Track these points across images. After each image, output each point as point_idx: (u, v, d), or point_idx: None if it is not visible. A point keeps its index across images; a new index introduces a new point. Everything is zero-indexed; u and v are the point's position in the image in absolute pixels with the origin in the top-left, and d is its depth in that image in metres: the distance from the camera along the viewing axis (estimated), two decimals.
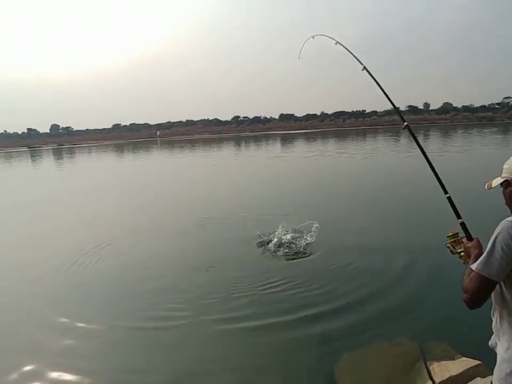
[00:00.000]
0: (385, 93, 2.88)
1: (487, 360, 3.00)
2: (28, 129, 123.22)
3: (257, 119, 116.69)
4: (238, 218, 9.17)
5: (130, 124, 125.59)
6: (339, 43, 3.39)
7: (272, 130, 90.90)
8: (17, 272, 6.57)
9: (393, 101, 2.82)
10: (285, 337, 4.09)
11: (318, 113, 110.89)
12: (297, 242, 6.86)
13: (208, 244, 7.48)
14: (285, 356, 3.81)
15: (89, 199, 14.03)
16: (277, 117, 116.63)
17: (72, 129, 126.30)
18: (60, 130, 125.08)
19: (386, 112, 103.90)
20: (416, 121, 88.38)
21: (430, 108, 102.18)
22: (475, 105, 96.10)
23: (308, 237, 6.99)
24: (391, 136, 46.20)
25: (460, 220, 2.07)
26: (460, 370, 2.99)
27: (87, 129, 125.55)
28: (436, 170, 2.34)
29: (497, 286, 1.56)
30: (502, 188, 1.69)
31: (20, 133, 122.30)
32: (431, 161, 2.42)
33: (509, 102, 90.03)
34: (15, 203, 14.05)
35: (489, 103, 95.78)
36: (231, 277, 5.63)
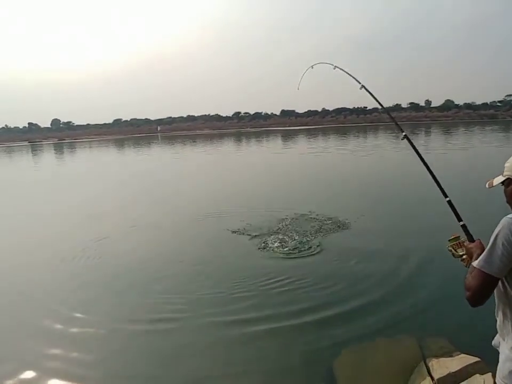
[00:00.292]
0: (383, 107, 3.05)
1: (486, 358, 3.03)
2: (28, 123, 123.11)
3: (258, 115, 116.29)
4: (238, 215, 9.16)
5: (131, 119, 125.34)
6: (337, 67, 3.62)
7: (273, 126, 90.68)
8: (14, 271, 6.49)
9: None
10: (284, 334, 4.11)
11: (319, 110, 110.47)
12: (298, 240, 6.88)
13: (208, 240, 7.45)
14: (285, 352, 3.82)
15: (88, 194, 14.01)
16: (278, 113, 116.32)
17: (73, 124, 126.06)
18: (61, 125, 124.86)
19: (388, 109, 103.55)
20: (417, 118, 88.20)
21: (432, 105, 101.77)
22: (477, 103, 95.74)
23: (309, 235, 7.01)
24: (391, 133, 46.10)
25: (461, 222, 2.07)
26: (459, 367, 3.01)
27: (88, 124, 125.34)
28: (436, 176, 2.36)
29: (500, 284, 1.57)
30: (503, 187, 1.69)
31: (21, 127, 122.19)
32: (431, 167, 2.44)
33: (510, 100, 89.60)
34: (15, 199, 14.07)
35: (491, 100, 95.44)
36: (231, 275, 5.61)
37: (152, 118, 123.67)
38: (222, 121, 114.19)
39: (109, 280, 5.80)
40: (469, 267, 1.72)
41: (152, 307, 4.85)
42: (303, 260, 6.04)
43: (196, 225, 8.59)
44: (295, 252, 6.36)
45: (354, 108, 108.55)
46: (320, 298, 4.78)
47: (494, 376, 2.71)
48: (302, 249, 6.44)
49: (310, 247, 6.49)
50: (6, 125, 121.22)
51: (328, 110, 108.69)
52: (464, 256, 1.89)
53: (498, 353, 1.71)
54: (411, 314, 4.36)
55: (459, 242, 1.94)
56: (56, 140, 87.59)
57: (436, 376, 3.01)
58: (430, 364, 3.22)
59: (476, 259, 1.63)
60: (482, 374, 2.86)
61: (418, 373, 3.21)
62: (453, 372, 2.98)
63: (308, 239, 6.86)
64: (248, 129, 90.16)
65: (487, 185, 1.77)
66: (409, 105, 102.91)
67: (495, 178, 1.71)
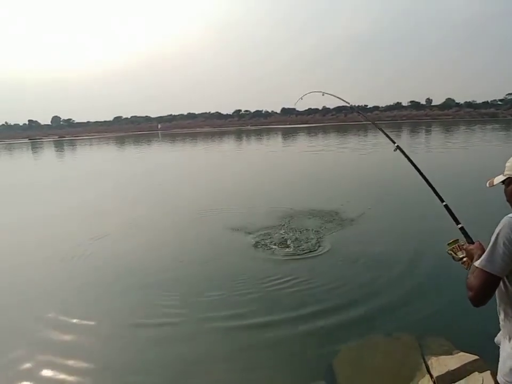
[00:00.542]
0: (377, 126, 3.30)
1: (485, 355, 3.05)
2: (29, 120, 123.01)
3: (258, 113, 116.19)
4: (239, 213, 9.18)
5: (132, 117, 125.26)
6: (326, 93, 4.11)
7: (273, 124, 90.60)
8: (13, 267, 6.49)
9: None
10: (284, 331, 4.11)
11: (320, 108, 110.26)
12: (297, 240, 6.88)
13: (208, 240, 7.44)
14: (284, 350, 3.83)
15: (87, 193, 14.02)
16: (278, 111, 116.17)
17: (73, 121, 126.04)
18: (61, 122, 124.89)
19: (388, 107, 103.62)
20: (418, 116, 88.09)
21: (433, 104, 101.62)
22: (477, 101, 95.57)
23: (309, 235, 7.02)
24: (392, 131, 46.06)
25: (459, 225, 2.08)
26: (458, 365, 3.02)
27: (88, 122, 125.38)
28: (431, 183, 2.37)
29: (502, 283, 1.57)
30: (503, 186, 1.69)
31: (21, 124, 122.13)
32: (429, 170, 2.50)
33: (511, 99, 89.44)
34: (13, 198, 14.08)
35: (492, 99, 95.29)
36: (232, 275, 5.57)
37: (152, 116, 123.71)
38: (222, 119, 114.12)
39: (108, 281, 5.75)
40: (469, 269, 1.72)
41: (152, 308, 4.81)
42: (303, 260, 6.02)
43: (197, 224, 8.58)
44: (293, 251, 6.34)
45: (355, 106, 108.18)
46: (320, 298, 4.79)
47: (493, 374, 2.74)
48: (302, 249, 6.42)
49: (310, 247, 6.49)
50: (6, 122, 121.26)
51: (329, 108, 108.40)
52: (464, 259, 1.89)
53: (498, 351, 1.71)
54: (410, 313, 4.37)
55: (458, 245, 1.95)
56: (57, 137, 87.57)
57: (435, 374, 3.03)
58: (429, 362, 3.24)
59: (477, 260, 1.64)
60: (481, 372, 2.88)
61: (417, 370, 3.23)
62: (452, 370, 3.00)
63: (307, 238, 6.87)
64: (249, 127, 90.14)
65: (487, 184, 1.78)
66: (409, 104, 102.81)
67: (496, 178, 1.71)
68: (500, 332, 1.71)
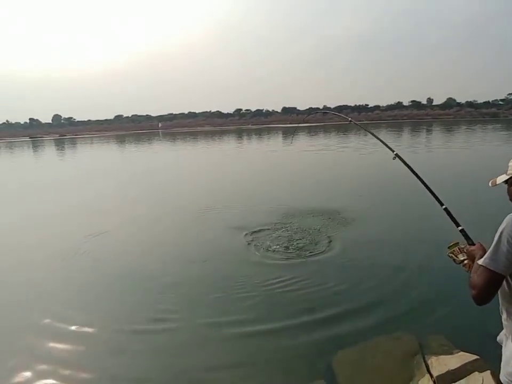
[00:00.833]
0: (375, 136, 3.16)
1: (485, 355, 3.04)
2: (30, 119, 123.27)
3: (259, 112, 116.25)
4: (239, 212, 9.17)
5: (132, 115, 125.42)
6: (326, 111, 4.44)
7: (274, 124, 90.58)
8: (12, 267, 6.44)
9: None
10: (284, 332, 4.10)
11: (320, 107, 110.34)
12: (298, 239, 6.88)
13: (209, 239, 7.41)
14: (284, 350, 3.81)
15: (88, 192, 14.03)
16: (279, 110, 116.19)
17: (74, 119, 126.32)
18: (62, 121, 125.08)
19: (389, 107, 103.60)
20: (419, 116, 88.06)
21: (434, 103, 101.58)
22: (479, 101, 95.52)
23: (309, 235, 7.01)
24: (392, 131, 46.06)
25: (459, 228, 2.07)
26: (458, 365, 3.02)
27: (89, 120, 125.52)
28: (431, 188, 2.37)
29: (504, 283, 1.57)
30: (506, 185, 1.68)
31: (22, 122, 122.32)
32: (426, 179, 2.45)
33: None
34: (13, 197, 14.10)
35: (493, 99, 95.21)
36: (232, 275, 5.52)
37: (153, 115, 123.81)
38: (223, 118, 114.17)
39: (107, 282, 5.68)
40: (470, 272, 1.71)
41: (151, 311, 4.73)
42: (302, 261, 5.98)
43: (197, 223, 8.56)
44: (293, 252, 6.30)
45: (355, 105, 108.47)
46: (319, 297, 4.77)
47: (493, 373, 2.74)
48: (301, 249, 6.38)
49: (309, 248, 6.47)
50: (7, 120, 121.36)
51: (329, 108, 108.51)
52: (465, 261, 1.89)
53: (498, 351, 1.71)
54: (410, 312, 4.36)
55: (459, 248, 1.94)
56: (57, 135, 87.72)
57: (435, 374, 3.02)
58: (429, 362, 3.24)
59: (479, 259, 1.63)
60: (481, 372, 2.88)
61: (417, 370, 3.22)
62: (452, 370, 2.99)
63: (308, 238, 6.85)
64: (249, 126, 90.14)
65: (490, 184, 1.77)
66: (410, 103, 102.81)
67: (499, 177, 1.71)
68: (503, 331, 1.70)
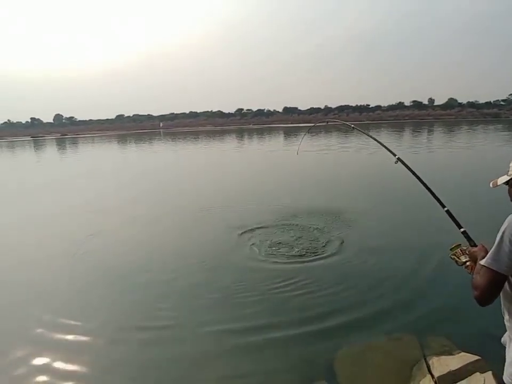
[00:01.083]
0: (377, 141, 3.22)
1: (487, 356, 3.05)
2: (31, 118, 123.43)
3: (260, 112, 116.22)
4: (240, 211, 9.16)
5: (134, 115, 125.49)
6: (330, 120, 4.38)
7: (275, 124, 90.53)
8: (12, 267, 6.44)
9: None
10: (284, 332, 4.09)
11: (322, 107, 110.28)
12: (298, 239, 6.88)
13: (210, 240, 7.39)
14: (285, 351, 3.82)
15: (88, 192, 14.04)
16: (280, 110, 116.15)
17: (76, 119, 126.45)
18: (64, 120, 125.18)
19: (391, 107, 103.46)
20: (420, 116, 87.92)
21: (435, 104, 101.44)
22: (480, 102, 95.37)
23: (311, 235, 7.01)
24: (393, 131, 45.97)
25: (461, 229, 2.07)
26: (459, 365, 3.02)
27: (90, 120, 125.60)
28: (433, 191, 2.38)
29: (507, 283, 1.57)
30: (507, 186, 1.68)
31: (23, 122, 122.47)
32: (428, 180, 2.46)
33: None
34: (16, 192, 14.12)
35: (495, 99, 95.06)
36: (233, 278, 5.48)
37: (154, 114, 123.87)
38: (224, 117, 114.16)
39: (107, 281, 5.66)
40: (473, 274, 1.72)
41: (152, 309, 4.75)
42: (302, 261, 5.98)
43: (199, 223, 8.57)
44: (292, 252, 6.29)
45: (357, 105, 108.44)
46: (321, 299, 4.77)
47: (494, 374, 2.74)
48: (301, 249, 6.37)
49: (310, 248, 6.46)
50: (8, 120, 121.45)
51: (331, 108, 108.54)
52: (467, 263, 1.89)
53: (500, 351, 1.71)
54: (411, 313, 4.36)
55: (461, 250, 1.94)
56: (59, 135, 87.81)
57: (436, 374, 3.03)
58: (430, 362, 3.24)
59: (481, 259, 1.63)
60: (482, 373, 2.88)
61: (418, 370, 3.22)
62: (453, 370, 2.99)
63: (308, 239, 6.86)
64: (251, 126, 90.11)
65: (491, 185, 1.77)
66: (412, 103, 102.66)
67: (500, 178, 1.70)
68: (506, 333, 1.70)
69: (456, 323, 4.10)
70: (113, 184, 15.24)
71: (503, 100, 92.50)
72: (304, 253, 6.21)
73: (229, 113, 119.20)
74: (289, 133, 51.00)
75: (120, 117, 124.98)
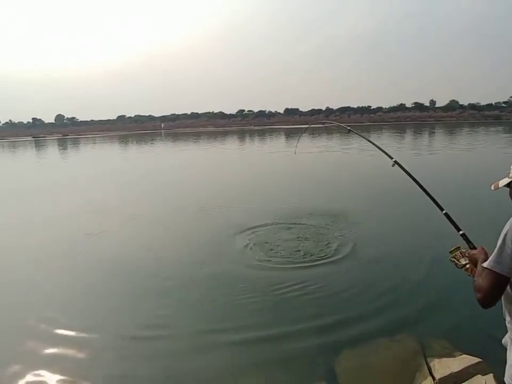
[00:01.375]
0: (374, 144, 3.29)
1: (488, 358, 3.04)
2: (33, 119, 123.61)
3: (262, 113, 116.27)
4: (240, 212, 9.17)
5: (135, 116, 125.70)
6: (327, 121, 4.54)
7: (276, 125, 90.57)
8: (11, 267, 6.44)
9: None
10: (284, 333, 4.10)
11: (323, 109, 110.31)
12: (300, 241, 6.87)
13: (212, 239, 7.40)
14: (285, 351, 3.81)
15: (89, 192, 14.05)
16: (281, 111, 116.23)
17: (77, 119, 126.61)
18: (65, 121, 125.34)
19: (392, 109, 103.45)
20: (422, 118, 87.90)
21: (436, 105, 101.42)
22: (481, 103, 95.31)
23: (313, 236, 7.01)
24: (395, 133, 45.93)
25: (460, 232, 2.07)
26: (461, 367, 3.02)
27: (91, 120, 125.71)
28: (431, 194, 2.38)
29: (508, 286, 1.57)
30: (508, 189, 1.68)
31: (25, 122, 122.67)
32: (427, 182, 2.49)
33: None
34: (17, 192, 14.14)
35: (496, 101, 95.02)
36: (234, 280, 5.45)
37: (156, 115, 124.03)
38: (225, 118, 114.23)
39: (107, 281, 5.68)
40: (473, 276, 1.72)
41: (152, 310, 4.73)
42: (304, 263, 5.97)
43: (200, 224, 8.57)
44: (293, 254, 6.29)
45: (358, 107, 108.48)
46: (321, 300, 4.77)
47: (495, 377, 2.74)
48: (302, 251, 6.37)
49: (310, 249, 6.47)
50: (10, 120, 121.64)
51: (332, 109, 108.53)
52: (467, 266, 1.89)
53: (501, 354, 1.72)
54: (413, 315, 4.36)
55: (460, 252, 1.95)
56: (60, 135, 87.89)
57: (438, 376, 3.03)
58: (431, 364, 3.24)
59: (482, 262, 1.63)
60: (483, 375, 2.88)
61: (419, 372, 3.23)
62: (454, 372, 2.99)
63: (310, 240, 6.87)
64: (252, 127, 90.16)
65: (492, 187, 1.77)
66: (413, 105, 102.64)
67: (501, 181, 1.70)
68: (507, 334, 1.71)
69: (457, 325, 4.09)
70: (114, 185, 15.25)
71: (504, 102, 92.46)
72: (305, 255, 6.20)
73: (230, 114, 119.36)
74: (290, 134, 50.98)
75: (121, 118, 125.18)
